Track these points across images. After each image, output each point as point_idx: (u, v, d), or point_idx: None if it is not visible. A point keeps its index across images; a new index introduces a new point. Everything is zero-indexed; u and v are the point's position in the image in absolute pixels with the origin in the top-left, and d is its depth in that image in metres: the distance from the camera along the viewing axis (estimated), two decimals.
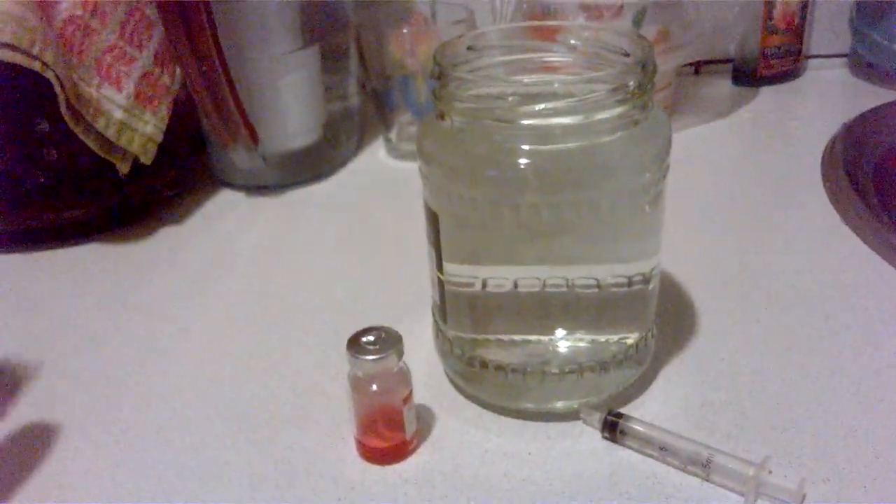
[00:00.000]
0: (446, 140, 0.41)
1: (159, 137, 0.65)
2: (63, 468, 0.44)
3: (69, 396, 0.50)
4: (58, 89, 0.58)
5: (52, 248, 0.66)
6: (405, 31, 0.73)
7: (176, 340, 0.54)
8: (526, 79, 0.43)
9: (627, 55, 0.42)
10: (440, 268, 0.44)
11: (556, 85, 0.41)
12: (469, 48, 0.44)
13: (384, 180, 0.76)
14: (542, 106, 0.38)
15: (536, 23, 0.69)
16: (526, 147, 0.39)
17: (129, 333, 0.55)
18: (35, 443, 0.46)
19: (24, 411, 0.49)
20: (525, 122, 0.38)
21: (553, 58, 0.45)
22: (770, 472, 0.39)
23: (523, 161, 0.39)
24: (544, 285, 0.43)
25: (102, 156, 0.63)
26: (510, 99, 0.39)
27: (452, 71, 0.40)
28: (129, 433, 0.46)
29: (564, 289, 0.43)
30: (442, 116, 0.41)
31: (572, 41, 0.45)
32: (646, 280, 0.45)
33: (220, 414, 0.47)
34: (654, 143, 0.41)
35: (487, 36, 0.46)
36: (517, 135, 0.39)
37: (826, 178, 0.68)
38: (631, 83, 0.38)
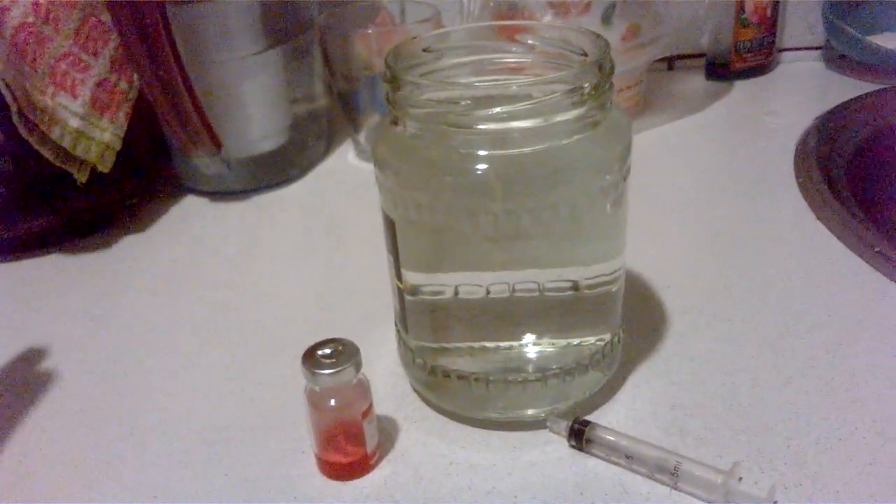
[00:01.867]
0: (401, 146, 0.40)
1: (118, 145, 0.63)
2: (20, 481, 0.43)
3: (28, 407, 0.48)
4: (9, 99, 0.56)
5: (12, 259, 0.65)
6: (370, 30, 0.71)
7: (138, 352, 0.53)
8: (480, 82, 0.42)
9: (586, 55, 0.41)
10: (399, 276, 0.43)
11: (513, 88, 0.40)
12: (425, 50, 0.43)
13: (353, 183, 0.74)
14: (498, 109, 0.37)
15: (495, 23, 0.68)
16: (483, 152, 0.38)
17: (87, 345, 0.54)
18: None
19: None
20: (481, 126, 0.37)
21: (512, 58, 0.44)
22: (740, 478, 0.38)
23: (481, 167, 0.38)
24: (511, 290, 0.42)
25: (59, 165, 0.61)
26: (464, 103, 0.38)
27: (404, 75, 0.39)
28: (84, 447, 0.45)
29: (524, 294, 0.42)
30: (395, 122, 0.40)
31: (531, 41, 0.44)
32: (610, 282, 0.44)
33: (180, 428, 0.46)
34: (615, 145, 0.40)
35: (444, 37, 0.45)
36: (474, 140, 0.38)
37: (798, 172, 0.67)
38: (586, 84, 0.37)
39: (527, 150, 0.38)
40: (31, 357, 0.53)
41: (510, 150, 0.38)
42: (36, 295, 0.61)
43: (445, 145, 0.38)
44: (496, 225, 0.38)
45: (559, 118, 0.37)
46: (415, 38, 0.43)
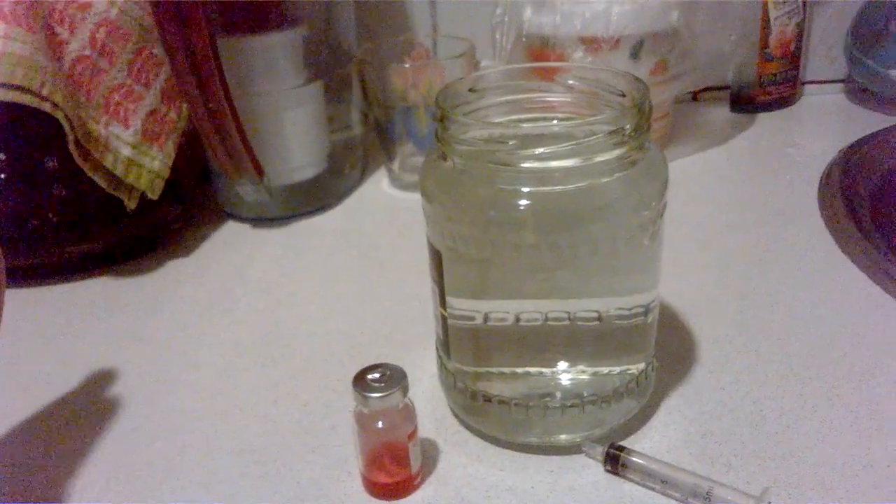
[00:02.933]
0: (448, 180, 0.42)
1: (166, 173, 0.66)
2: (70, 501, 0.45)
3: (79, 430, 0.50)
4: (67, 129, 0.59)
5: (60, 282, 0.67)
6: (407, 64, 0.74)
7: (183, 373, 0.55)
8: (526, 123, 0.44)
9: (624, 95, 0.43)
10: (443, 304, 0.45)
11: (555, 128, 0.42)
12: (471, 90, 0.46)
13: (387, 210, 0.77)
14: (541, 150, 0.39)
15: (536, 64, 0.71)
16: (525, 189, 0.40)
17: (138, 366, 0.56)
18: (42, 477, 0.47)
19: (33, 445, 0.49)
20: (525, 164, 0.40)
21: (551, 98, 0.46)
22: (769, 503, 0.40)
23: (523, 203, 0.40)
24: (546, 318, 0.44)
25: (110, 192, 0.64)
26: (511, 143, 0.40)
27: (453, 114, 0.41)
28: (137, 467, 0.47)
29: (566, 322, 0.44)
30: (444, 157, 0.42)
31: (570, 81, 0.46)
32: (645, 313, 0.46)
33: (227, 448, 0.48)
34: (652, 183, 0.42)
35: (488, 77, 0.47)
36: (517, 177, 0.40)
37: (823, 205, 0.69)
38: (628, 126, 0.39)
39: (569, 187, 0.40)
40: (80, 378, 0.56)
41: (552, 188, 0.40)
42: (84, 316, 0.63)
43: (490, 181, 0.41)
44: (538, 257, 0.40)
45: (599, 158, 0.39)
46: (461, 79, 0.45)
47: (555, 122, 0.45)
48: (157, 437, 0.50)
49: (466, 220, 0.41)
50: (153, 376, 0.55)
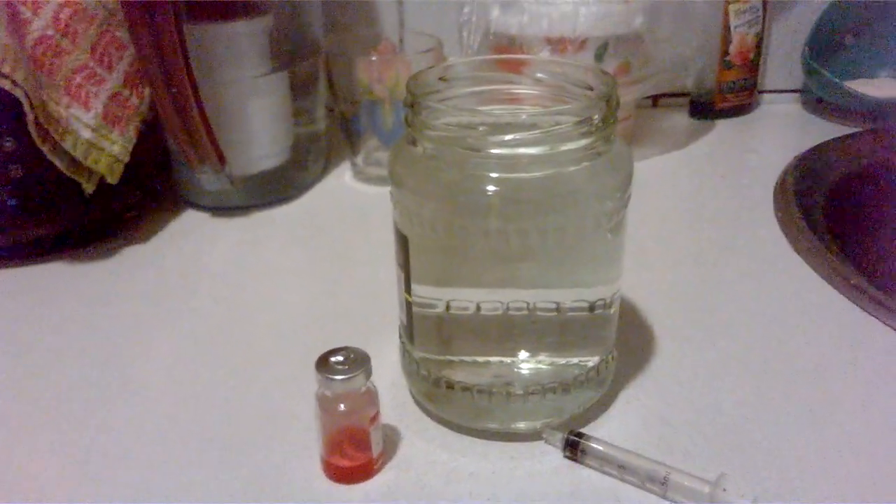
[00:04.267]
0: (417, 165, 0.42)
1: (126, 157, 0.65)
2: (25, 489, 0.44)
3: (31, 415, 0.50)
4: (27, 108, 0.58)
5: (15, 266, 0.66)
6: (373, 58, 0.74)
7: (140, 360, 0.55)
8: (496, 109, 0.45)
9: (591, 89, 0.44)
10: (408, 289, 0.45)
11: (523, 116, 0.42)
12: (440, 79, 0.46)
13: (350, 203, 0.77)
14: (510, 136, 0.39)
15: (505, 56, 0.71)
16: (494, 175, 0.40)
17: (93, 353, 0.55)
18: None
19: None
20: (494, 151, 0.40)
21: (520, 90, 0.47)
22: (724, 489, 0.41)
23: (491, 188, 0.40)
24: (507, 308, 0.44)
25: (69, 175, 0.63)
26: (480, 129, 0.40)
27: (424, 100, 0.41)
28: (91, 454, 0.46)
29: (527, 312, 0.44)
30: (414, 143, 0.43)
31: (538, 74, 0.47)
32: (607, 305, 0.46)
33: (185, 434, 0.48)
34: (617, 174, 0.42)
35: (458, 68, 0.48)
36: (486, 163, 0.40)
37: (777, 207, 0.71)
38: (595, 117, 0.40)
39: (535, 174, 0.40)
40: (31, 363, 0.55)
41: (520, 175, 0.40)
42: (38, 301, 0.62)
43: (459, 167, 0.41)
44: (505, 243, 0.41)
45: (567, 147, 0.40)
46: (431, 67, 0.46)
47: (524, 115, 0.45)
48: (111, 425, 0.49)
49: (435, 205, 0.41)
50: (107, 363, 0.54)
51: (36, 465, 0.46)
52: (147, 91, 0.66)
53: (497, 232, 0.41)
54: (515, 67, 0.49)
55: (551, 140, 0.39)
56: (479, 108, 0.45)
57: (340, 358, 0.42)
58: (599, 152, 0.41)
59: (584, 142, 0.40)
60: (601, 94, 0.41)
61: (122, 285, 0.64)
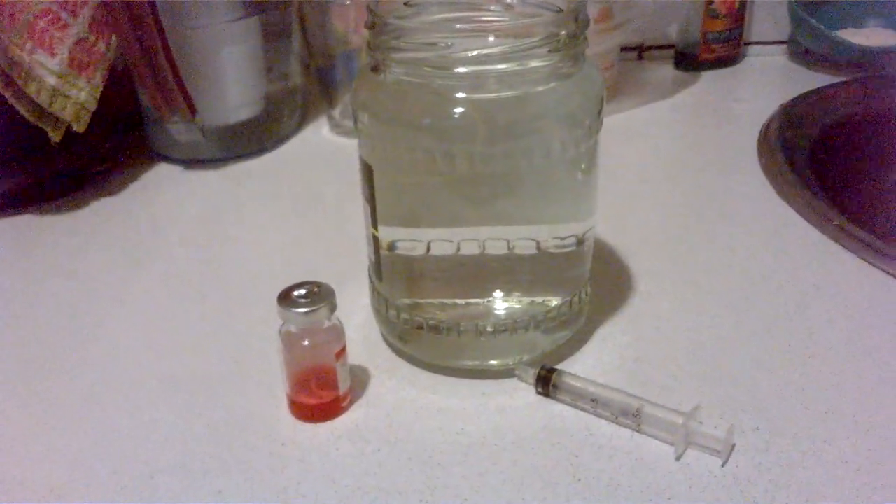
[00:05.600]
0: (381, 91, 0.41)
1: (93, 105, 0.63)
2: None
3: (2, 364, 0.48)
4: None
5: None
6: (348, 2, 0.72)
7: (110, 307, 0.53)
8: (460, 25, 0.43)
9: (561, 11, 0.42)
10: (374, 224, 0.44)
11: (491, 38, 0.41)
12: (406, 4, 0.44)
13: (326, 156, 0.75)
14: (475, 52, 0.38)
15: None
16: (461, 95, 0.39)
17: (63, 301, 0.54)
18: None
19: None
20: (459, 69, 0.38)
21: (489, 16, 0.45)
22: (700, 422, 0.40)
23: (458, 109, 0.39)
24: (483, 248, 0.43)
25: (34, 122, 0.61)
26: (446, 44, 0.38)
27: (387, 19, 0.40)
28: (61, 398, 0.45)
29: (503, 251, 0.43)
30: (376, 68, 0.41)
31: (507, 0, 0.45)
32: (580, 241, 0.45)
33: (153, 377, 0.47)
34: (586, 96, 0.41)
35: None
36: (452, 83, 0.39)
37: (762, 153, 0.69)
38: (563, 32, 0.39)
39: (503, 94, 0.39)
40: (3, 311, 0.53)
41: (487, 94, 0.39)
42: (7, 252, 0.60)
43: (425, 89, 0.39)
44: (472, 169, 0.39)
45: (534, 64, 0.38)
46: None
47: (490, 37, 0.44)
48: (82, 370, 0.48)
49: (400, 129, 0.40)
50: (78, 311, 0.53)
51: (3, 406, 0.45)
52: (114, 37, 0.64)
53: (464, 155, 0.39)
54: None
55: (518, 56, 0.38)
56: (445, 26, 0.43)
57: (303, 291, 0.41)
58: (568, 73, 0.40)
59: (551, 59, 0.39)
60: (570, 10, 0.40)
61: (93, 236, 0.62)
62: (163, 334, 0.50)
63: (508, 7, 0.45)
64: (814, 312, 0.49)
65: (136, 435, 0.42)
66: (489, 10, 0.45)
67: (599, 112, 0.42)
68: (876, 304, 0.50)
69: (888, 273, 0.52)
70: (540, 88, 0.39)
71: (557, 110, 0.40)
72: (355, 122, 0.42)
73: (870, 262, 0.53)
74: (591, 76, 0.42)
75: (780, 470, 0.38)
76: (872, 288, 0.51)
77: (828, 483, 0.37)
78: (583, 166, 0.43)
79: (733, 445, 0.39)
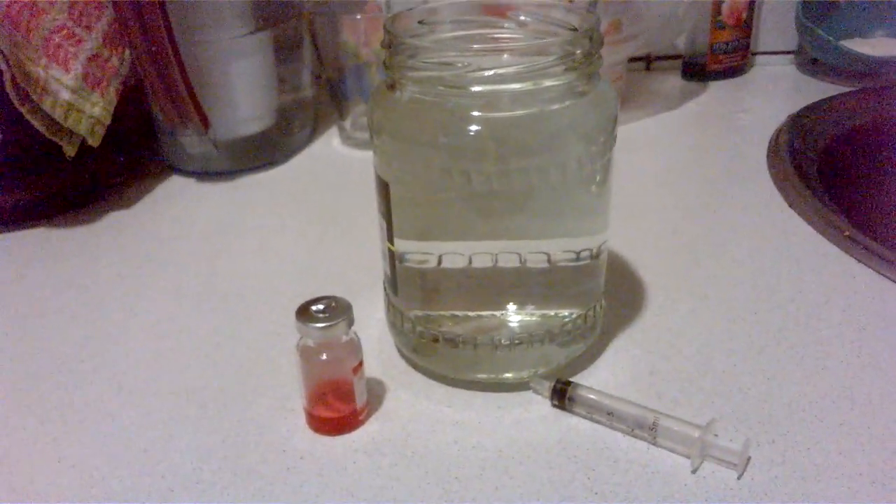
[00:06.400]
0: (397, 109, 0.41)
1: (107, 120, 0.64)
2: (7, 444, 0.43)
3: (15, 373, 0.49)
4: (3, 67, 0.57)
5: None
6: (358, 17, 0.73)
7: (124, 319, 0.54)
8: (476, 45, 0.43)
9: (576, 30, 0.43)
10: (391, 239, 0.44)
11: (505, 56, 0.41)
12: (420, 22, 0.45)
13: (338, 168, 0.75)
14: (491, 71, 0.38)
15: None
16: (476, 114, 0.39)
17: (76, 313, 0.54)
18: None
19: None
20: (475, 88, 0.39)
21: (503, 34, 0.45)
22: (716, 434, 0.40)
23: (473, 128, 0.39)
24: (496, 261, 0.43)
25: (49, 137, 0.62)
26: (462, 64, 0.39)
27: (403, 39, 0.40)
28: (75, 410, 0.46)
29: (516, 264, 0.43)
30: (392, 87, 0.41)
31: (522, 17, 0.46)
32: (594, 255, 0.45)
33: (168, 390, 0.47)
34: (601, 114, 0.41)
35: (439, 11, 0.46)
36: (467, 102, 0.39)
37: (771, 164, 0.69)
38: (578, 51, 0.39)
39: (518, 113, 0.39)
40: (17, 323, 0.54)
41: (502, 113, 0.39)
42: (22, 265, 0.61)
43: (440, 107, 0.40)
44: (488, 186, 0.40)
45: (549, 83, 0.39)
46: (411, 9, 0.44)
47: (505, 55, 0.44)
48: (96, 382, 0.48)
49: (416, 148, 0.40)
50: (90, 322, 0.54)
51: (18, 419, 0.45)
52: (127, 52, 0.65)
53: (480, 173, 0.39)
54: (499, 12, 0.47)
55: (533, 75, 0.38)
56: (461, 45, 0.43)
57: (321, 306, 0.42)
58: (583, 91, 0.40)
59: (566, 78, 0.39)
60: (584, 30, 0.40)
61: (105, 248, 0.63)
62: (176, 347, 0.51)
63: (522, 25, 0.46)
64: (825, 323, 0.49)
65: (152, 449, 0.43)
66: (503, 28, 0.46)
67: (613, 129, 0.42)
68: (887, 314, 0.50)
69: None
70: (555, 107, 0.39)
71: (572, 128, 0.40)
72: (372, 139, 0.43)
73: (880, 272, 0.53)
74: (605, 94, 0.42)
75: (796, 483, 0.38)
76: (883, 298, 0.51)
77: (844, 496, 0.38)
78: (597, 182, 0.43)
79: (749, 458, 0.40)
